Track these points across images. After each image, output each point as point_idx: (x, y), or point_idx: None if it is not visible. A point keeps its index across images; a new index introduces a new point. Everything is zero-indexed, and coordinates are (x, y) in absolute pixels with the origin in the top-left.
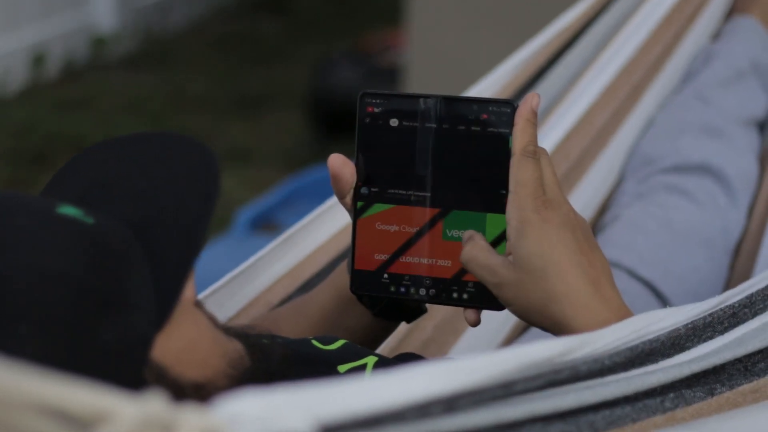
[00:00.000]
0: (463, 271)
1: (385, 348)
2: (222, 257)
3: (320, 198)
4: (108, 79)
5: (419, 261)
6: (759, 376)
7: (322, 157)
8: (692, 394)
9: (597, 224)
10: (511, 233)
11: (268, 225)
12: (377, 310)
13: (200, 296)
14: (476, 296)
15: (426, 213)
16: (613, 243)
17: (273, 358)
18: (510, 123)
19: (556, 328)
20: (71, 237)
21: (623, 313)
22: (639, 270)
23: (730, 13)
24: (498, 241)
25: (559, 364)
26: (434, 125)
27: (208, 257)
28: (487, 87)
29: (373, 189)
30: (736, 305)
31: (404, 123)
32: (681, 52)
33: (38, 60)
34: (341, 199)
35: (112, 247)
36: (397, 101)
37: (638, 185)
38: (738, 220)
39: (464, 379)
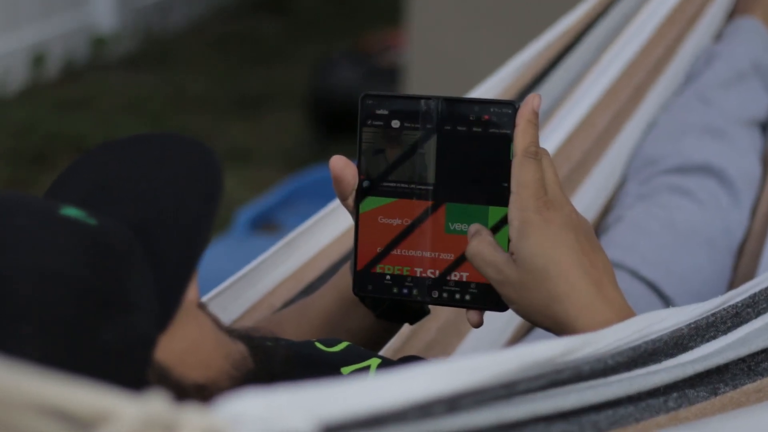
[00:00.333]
0: (464, 264)
1: (388, 350)
2: (222, 257)
3: (320, 198)
4: (108, 79)
5: (422, 255)
6: (762, 375)
7: (322, 157)
8: (695, 394)
9: (600, 225)
10: (513, 234)
11: (268, 225)
12: (380, 312)
13: (203, 299)
14: (479, 297)
15: (428, 206)
16: (616, 244)
17: (276, 360)
18: (511, 124)
19: (559, 328)
20: (72, 237)
21: (626, 313)
22: (642, 270)
23: (732, 14)
24: (498, 231)
25: (561, 364)
26: (436, 126)
27: (208, 257)
28: (489, 89)
29: (375, 182)
30: (739, 305)
31: (406, 124)
32: (683, 54)
33: (38, 60)
34: (343, 200)
35: (113, 248)
36: (398, 103)
37: (641, 186)
38: (740, 220)
39: (466, 378)
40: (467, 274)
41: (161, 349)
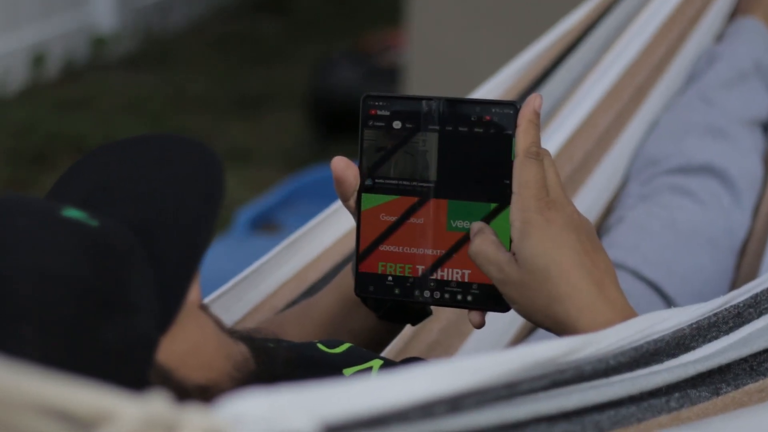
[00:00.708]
0: (466, 262)
1: (390, 351)
2: (222, 257)
3: (320, 198)
4: (108, 79)
5: (423, 252)
6: (765, 375)
7: (322, 157)
8: (697, 394)
9: (602, 226)
10: (514, 234)
11: (268, 225)
12: (382, 313)
13: (205, 300)
14: (481, 298)
15: (430, 203)
16: (618, 244)
17: (278, 361)
18: (513, 124)
19: (560, 328)
20: (73, 238)
21: (627, 313)
22: (643, 271)
23: (734, 15)
24: (499, 228)
25: (563, 364)
26: (437, 127)
27: (208, 257)
28: (491, 90)
29: (377, 180)
30: (741, 305)
31: (407, 125)
32: (684, 54)
33: (38, 60)
34: (345, 202)
35: (114, 249)
36: (399, 103)
37: (642, 187)
38: (742, 220)
39: (468, 379)
40: (469, 272)
41: (163, 351)
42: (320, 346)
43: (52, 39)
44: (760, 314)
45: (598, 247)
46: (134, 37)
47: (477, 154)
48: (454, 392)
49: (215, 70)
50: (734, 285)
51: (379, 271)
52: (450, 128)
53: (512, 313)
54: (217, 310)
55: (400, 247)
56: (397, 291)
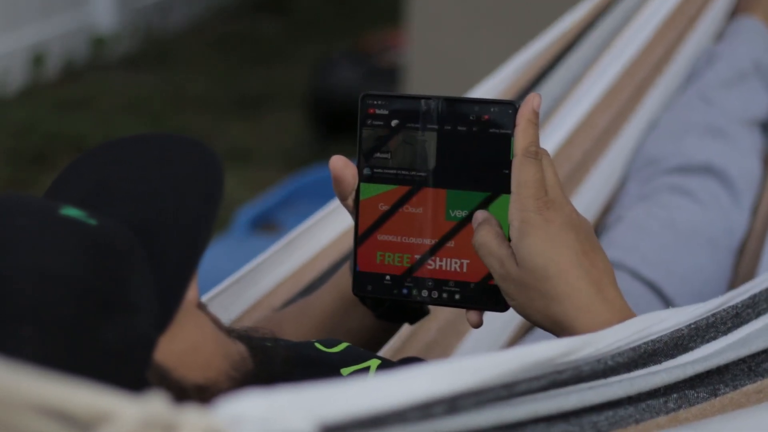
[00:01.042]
0: (464, 252)
1: (388, 350)
2: (222, 257)
3: (320, 198)
4: (108, 79)
5: (422, 242)
6: (763, 376)
7: (322, 157)
8: (695, 395)
9: (600, 225)
10: (513, 234)
11: (268, 225)
12: (380, 312)
13: (203, 298)
14: (478, 298)
15: (428, 192)
16: (616, 244)
17: (276, 360)
18: (512, 124)
19: (558, 328)
20: (73, 238)
21: (625, 314)
22: (642, 271)
23: (733, 14)
24: (500, 220)
25: (561, 365)
26: (436, 126)
27: (208, 257)
28: (490, 89)
29: (375, 170)
30: (739, 305)
31: (406, 124)
32: (684, 53)
33: (38, 60)
34: (343, 201)
35: (114, 248)
36: (398, 102)
37: (641, 186)
38: (741, 220)
39: (466, 379)
40: (468, 261)
41: (161, 350)
42: (318, 345)
43: (52, 39)
44: (758, 315)
45: (596, 247)
46: (134, 37)
47: (475, 153)
48: (453, 393)
49: (215, 70)
50: (732, 285)
51: (378, 261)
52: (448, 127)
53: (510, 313)
54: (214, 308)
55: (399, 237)
56: (395, 290)
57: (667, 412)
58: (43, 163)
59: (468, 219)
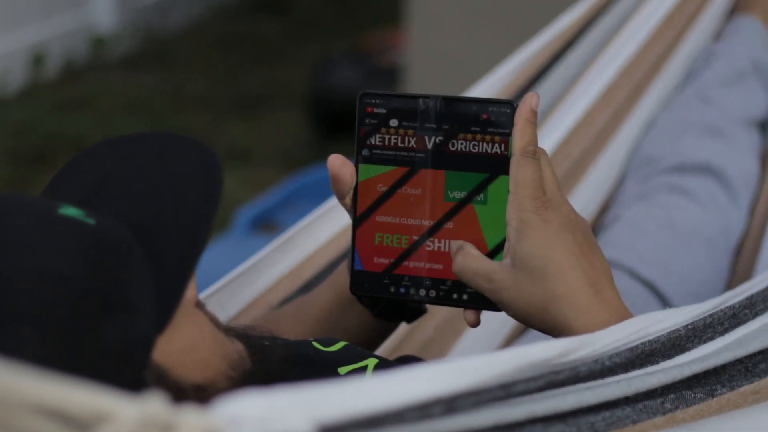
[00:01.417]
0: (461, 233)
1: (386, 348)
2: (222, 257)
3: (320, 198)
4: (108, 79)
5: (420, 223)
6: (760, 377)
7: (322, 157)
8: (693, 395)
9: (597, 224)
10: (510, 234)
11: (268, 225)
12: (377, 311)
13: (201, 296)
14: (476, 297)
15: (427, 173)
16: (614, 243)
17: (273, 359)
18: (510, 123)
19: (556, 329)
20: (72, 238)
21: (623, 314)
22: (639, 270)
23: (732, 13)
24: (498, 202)
25: (559, 365)
26: (434, 125)
27: (207, 257)
28: (488, 88)
29: (374, 151)
30: (737, 306)
31: (404, 123)
32: (682, 52)
33: (38, 60)
34: (341, 199)
35: (113, 248)
36: (396, 101)
37: (639, 185)
38: (739, 220)
39: (464, 379)
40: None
41: (159, 350)
42: (315, 344)
43: (52, 39)
44: (755, 315)
45: (594, 247)
46: (134, 37)
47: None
48: (451, 393)
49: (215, 70)
50: (730, 285)
51: (376, 242)
52: (446, 126)
53: None
54: (212, 306)
55: (397, 218)
56: (392, 289)
57: (664, 413)
58: (43, 163)
59: (467, 199)
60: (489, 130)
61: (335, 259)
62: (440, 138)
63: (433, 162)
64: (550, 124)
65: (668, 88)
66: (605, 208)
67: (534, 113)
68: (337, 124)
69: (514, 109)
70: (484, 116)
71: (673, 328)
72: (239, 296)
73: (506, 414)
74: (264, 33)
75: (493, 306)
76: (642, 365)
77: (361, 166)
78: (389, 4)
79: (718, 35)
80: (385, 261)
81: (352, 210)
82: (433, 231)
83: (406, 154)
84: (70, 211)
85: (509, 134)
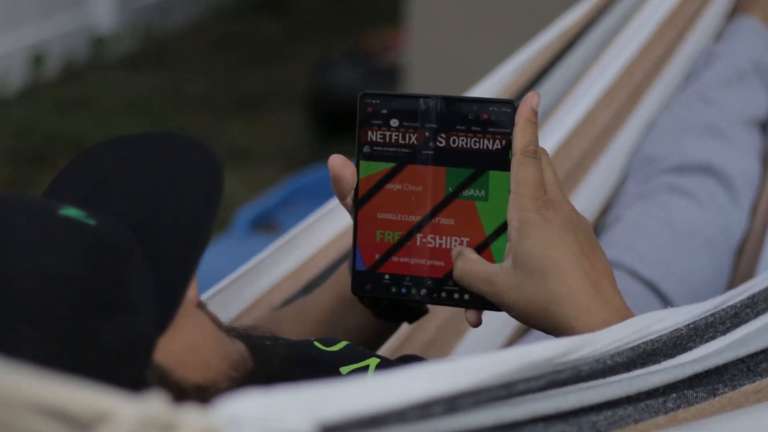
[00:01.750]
0: (463, 230)
1: (387, 348)
2: (222, 257)
3: (320, 198)
4: (108, 79)
5: (422, 220)
6: (761, 376)
7: (322, 157)
8: (694, 395)
9: (599, 224)
10: (512, 234)
11: (268, 225)
12: (378, 311)
13: (203, 297)
14: (477, 297)
15: (428, 170)
16: (615, 243)
17: (275, 359)
18: (510, 123)
19: (558, 330)
20: (72, 238)
21: (624, 314)
22: (641, 270)
23: (732, 14)
24: (500, 198)
25: (560, 365)
26: (434, 125)
27: (207, 257)
28: (489, 88)
29: (375, 148)
30: (738, 305)
31: (404, 123)
32: (683, 53)
33: (38, 60)
34: (342, 200)
35: (113, 248)
36: (397, 101)
37: (640, 185)
38: (740, 220)
39: (465, 379)
40: (468, 239)
41: (160, 350)
42: (317, 344)
43: (52, 39)
44: (757, 314)
45: (596, 247)
46: (134, 37)
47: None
48: (452, 392)
49: (215, 70)
50: (731, 285)
51: (378, 239)
52: (447, 126)
53: None
54: (214, 307)
55: (399, 215)
56: (393, 290)
57: (666, 412)
58: (43, 163)
59: (469, 196)
60: (490, 129)
61: (336, 260)
62: (441, 136)
63: (434, 159)
64: (551, 124)
65: (669, 89)
66: (606, 209)
67: (534, 113)
68: (337, 124)
69: (514, 109)
70: (485, 116)
71: (675, 328)
72: (241, 297)
73: (507, 413)
74: (264, 33)
75: (495, 306)
76: (644, 364)
77: (362, 162)
78: (389, 4)
79: (718, 36)
80: (387, 259)
81: (353, 210)
82: (434, 228)
83: (407, 151)
84: (70, 211)
85: (510, 134)
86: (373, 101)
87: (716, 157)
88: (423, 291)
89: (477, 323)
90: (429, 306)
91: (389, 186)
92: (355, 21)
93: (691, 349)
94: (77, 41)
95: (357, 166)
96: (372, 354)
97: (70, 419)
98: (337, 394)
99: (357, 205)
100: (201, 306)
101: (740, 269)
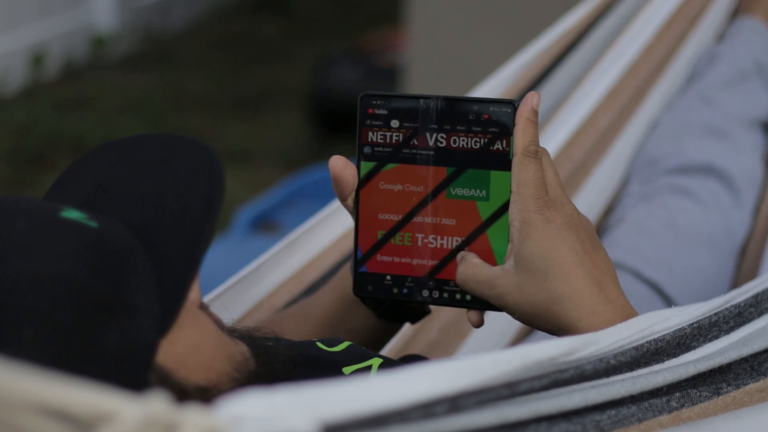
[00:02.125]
0: (465, 231)
1: (390, 350)
2: (222, 257)
3: (320, 198)
4: (108, 79)
5: (423, 220)
6: (765, 375)
7: (322, 157)
8: (698, 394)
9: (602, 226)
10: (513, 234)
11: (268, 225)
12: (380, 312)
13: (205, 299)
14: (479, 298)
15: (430, 170)
16: (618, 244)
17: (278, 360)
18: (511, 123)
19: (561, 330)
20: (74, 241)
21: (628, 313)
22: (644, 271)
23: (734, 15)
24: (500, 198)
25: (564, 364)
26: (435, 126)
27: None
28: (490, 90)
29: (376, 149)
30: (742, 304)
31: (405, 124)
32: (685, 54)
33: (38, 60)
34: (343, 201)
35: (115, 251)
36: (397, 102)
37: (643, 186)
38: (742, 220)
39: (468, 378)
40: (469, 239)
41: (163, 352)
42: (319, 344)
43: (52, 39)
44: (760, 314)
45: (598, 247)
46: (134, 37)
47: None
48: (455, 392)
49: (215, 71)
50: (734, 285)
51: (379, 241)
52: (448, 127)
53: None
54: (216, 308)
55: (400, 216)
56: (395, 290)
57: (670, 411)
58: (43, 163)
59: (469, 196)
60: (490, 129)
61: (338, 261)
62: (442, 136)
63: (434, 159)
64: (553, 126)
65: (671, 90)
66: (609, 210)
67: (535, 112)
68: (337, 124)
69: (515, 109)
70: (486, 116)
71: (679, 327)
72: (243, 299)
73: (511, 413)
74: (264, 33)
75: (497, 306)
76: (647, 364)
77: (362, 163)
78: (389, 4)
79: (720, 37)
80: (388, 260)
81: (354, 211)
82: (435, 228)
83: (408, 151)
84: (72, 213)
85: (511, 134)
86: (374, 102)
87: (718, 157)
88: (425, 292)
89: (479, 324)
90: (432, 307)
91: (390, 186)
92: (355, 21)
93: (694, 348)
94: (77, 41)
95: (358, 166)
96: (375, 354)
97: (72, 419)
98: (340, 393)
99: (358, 206)
100: (203, 307)
101: (743, 269)
